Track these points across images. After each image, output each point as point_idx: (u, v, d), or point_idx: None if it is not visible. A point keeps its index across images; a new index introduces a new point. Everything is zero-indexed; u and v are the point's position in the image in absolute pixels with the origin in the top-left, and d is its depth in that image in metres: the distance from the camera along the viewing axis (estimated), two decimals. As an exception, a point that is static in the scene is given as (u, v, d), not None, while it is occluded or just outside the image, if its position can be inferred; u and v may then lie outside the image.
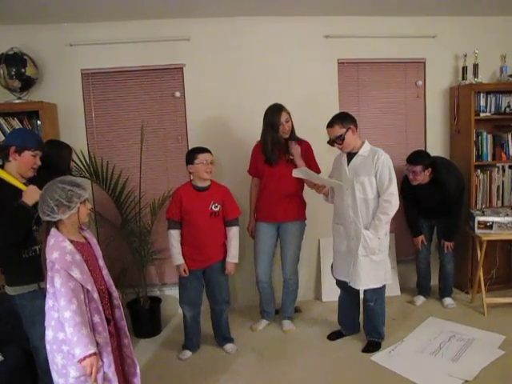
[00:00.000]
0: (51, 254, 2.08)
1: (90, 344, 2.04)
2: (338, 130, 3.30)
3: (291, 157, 3.62)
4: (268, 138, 3.64)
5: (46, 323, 2.15)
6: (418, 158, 3.97)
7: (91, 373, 2.05)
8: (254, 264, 3.91)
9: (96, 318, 2.14)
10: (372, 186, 3.28)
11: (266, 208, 3.77)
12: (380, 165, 3.25)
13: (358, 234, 3.33)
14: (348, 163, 3.39)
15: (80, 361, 2.03)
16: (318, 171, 3.72)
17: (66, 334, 2.04)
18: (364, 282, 3.39)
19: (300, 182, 3.69)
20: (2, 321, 2.97)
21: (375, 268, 3.36)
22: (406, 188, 4.15)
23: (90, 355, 2.03)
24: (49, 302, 2.14)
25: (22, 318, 2.63)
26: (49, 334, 2.14)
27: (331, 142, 3.38)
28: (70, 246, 2.12)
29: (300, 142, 3.73)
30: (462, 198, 4.07)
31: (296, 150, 3.62)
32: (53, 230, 2.16)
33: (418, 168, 3.91)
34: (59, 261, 2.06)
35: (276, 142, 3.63)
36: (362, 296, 3.59)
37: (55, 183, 2.18)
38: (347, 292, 3.58)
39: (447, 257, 4.23)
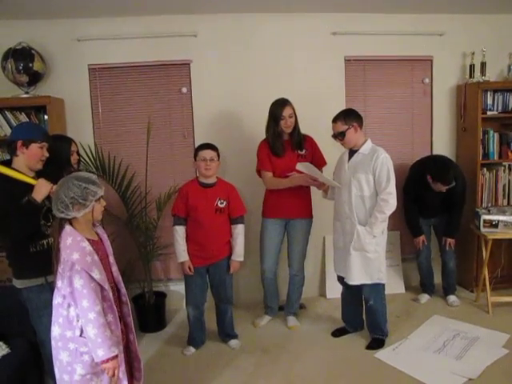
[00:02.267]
0: (71, 255, 2.05)
1: (113, 346, 2.05)
2: (341, 127, 3.35)
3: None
4: (270, 130, 3.67)
5: (54, 319, 2.15)
6: (450, 177, 3.87)
7: (113, 375, 2.08)
8: (260, 260, 3.92)
9: (109, 317, 2.14)
10: (369, 183, 3.32)
11: (276, 204, 3.75)
12: (379, 163, 3.27)
13: (352, 230, 3.37)
14: (349, 160, 3.43)
15: (102, 362, 2.04)
16: (323, 163, 3.78)
17: (87, 334, 2.03)
18: (355, 277, 3.41)
19: None
20: (9, 314, 2.99)
21: (368, 265, 3.38)
22: (411, 187, 4.15)
23: (113, 358, 2.05)
24: (57, 299, 2.13)
25: (29, 311, 2.65)
26: (55, 330, 2.14)
27: (334, 137, 3.44)
28: (88, 247, 2.10)
29: (305, 137, 3.75)
30: (464, 196, 4.08)
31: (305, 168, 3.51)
32: (68, 228, 2.12)
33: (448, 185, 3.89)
34: (80, 262, 2.04)
35: (276, 136, 3.65)
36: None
37: (70, 180, 2.13)
38: (348, 288, 3.58)
39: (449, 254, 4.22)
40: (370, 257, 3.35)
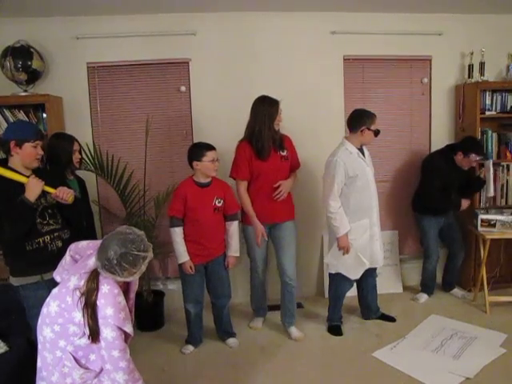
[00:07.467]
0: (105, 309, 2.01)
1: None
2: None
3: None
4: (264, 129, 3.45)
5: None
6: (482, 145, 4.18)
7: None
8: (250, 268, 3.87)
9: None
10: None
11: (264, 209, 3.57)
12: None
13: (378, 219, 3.68)
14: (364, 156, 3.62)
15: None
16: (298, 165, 3.72)
17: (115, 380, 2.06)
18: (382, 257, 3.77)
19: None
20: (6, 311, 3.00)
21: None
22: (442, 174, 4.07)
23: None
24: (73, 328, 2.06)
25: (26, 309, 2.65)
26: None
27: (377, 134, 3.62)
28: (123, 301, 2.08)
29: (283, 136, 3.62)
30: None
31: None
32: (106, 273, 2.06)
33: None
34: (113, 318, 2.02)
35: (269, 137, 3.49)
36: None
37: (127, 247, 2.02)
38: (362, 278, 3.77)
39: (458, 244, 4.29)
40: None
